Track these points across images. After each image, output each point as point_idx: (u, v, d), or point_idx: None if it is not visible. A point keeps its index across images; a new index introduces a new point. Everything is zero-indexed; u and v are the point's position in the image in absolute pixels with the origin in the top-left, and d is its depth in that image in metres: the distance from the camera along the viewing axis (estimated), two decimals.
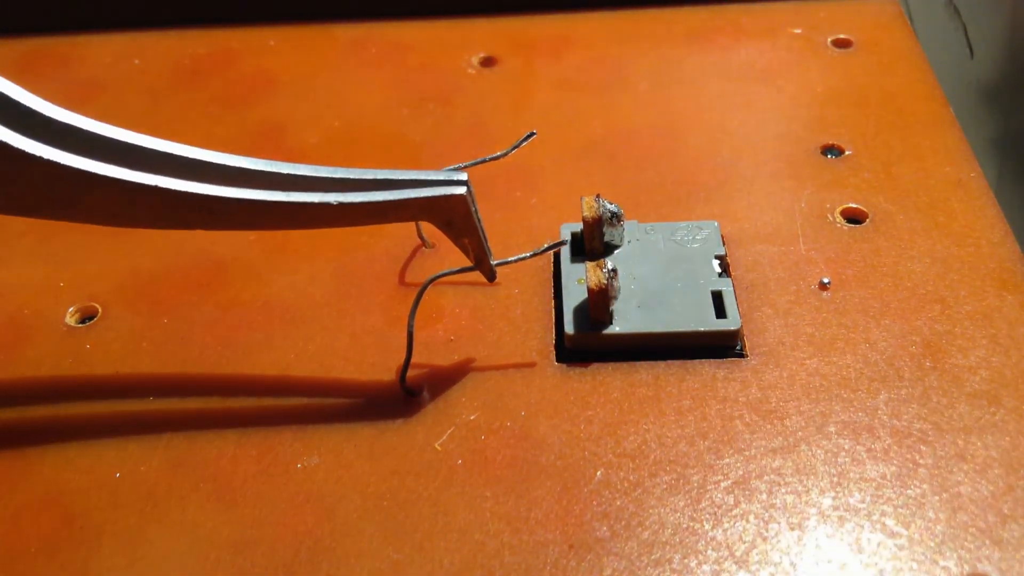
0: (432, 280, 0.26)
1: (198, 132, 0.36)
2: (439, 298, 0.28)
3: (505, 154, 0.28)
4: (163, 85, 0.38)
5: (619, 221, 0.29)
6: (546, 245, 0.26)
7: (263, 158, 0.34)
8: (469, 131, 0.35)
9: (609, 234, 0.29)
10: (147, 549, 0.23)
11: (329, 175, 0.24)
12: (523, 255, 0.26)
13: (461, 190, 0.24)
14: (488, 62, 0.38)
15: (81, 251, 0.31)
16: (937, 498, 0.23)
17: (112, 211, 0.23)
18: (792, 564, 0.22)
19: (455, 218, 0.25)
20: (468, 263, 0.26)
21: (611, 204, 0.28)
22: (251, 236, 0.31)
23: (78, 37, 0.41)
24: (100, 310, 0.29)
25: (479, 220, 0.25)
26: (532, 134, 0.28)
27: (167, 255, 0.31)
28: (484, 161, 0.28)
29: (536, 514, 0.23)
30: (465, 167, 0.28)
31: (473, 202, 0.25)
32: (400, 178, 0.24)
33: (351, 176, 0.24)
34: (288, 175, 0.24)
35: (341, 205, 0.24)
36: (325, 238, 0.31)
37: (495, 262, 0.26)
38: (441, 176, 0.25)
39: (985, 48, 0.41)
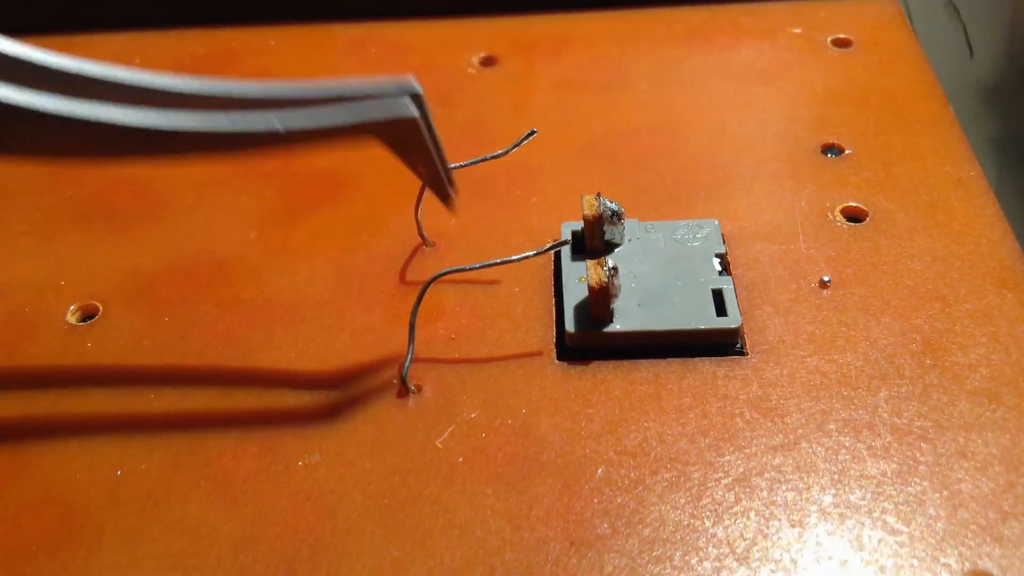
0: (435, 279, 0.26)
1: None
2: (440, 296, 0.28)
3: (506, 152, 0.28)
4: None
5: (620, 219, 0.29)
6: (549, 244, 0.26)
7: (266, 163, 0.34)
8: (469, 130, 0.35)
9: (610, 232, 0.29)
10: (148, 547, 0.23)
11: (277, 95, 0.23)
12: (526, 254, 0.26)
13: (412, 113, 0.23)
14: (488, 62, 0.38)
15: (82, 250, 0.31)
16: (938, 495, 0.23)
17: (41, 144, 0.22)
18: (793, 561, 0.22)
19: (407, 140, 0.23)
20: (471, 262, 0.26)
21: (611, 203, 0.28)
22: (252, 235, 0.31)
23: (78, 37, 0.41)
24: (101, 308, 0.29)
25: (434, 138, 0.24)
26: (532, 132, 0.28)
27: (168, 253, 0.31)
28: (484, 160, 0.28)
29: (537, 511, 0.23)
30: (465, 165, 0.28)
31: (427, 123, 0.23)
32: (348, 92, 0.23)
33: (299, 94, 0.23)
34: (236, 97, 0.23)
35: (289, 132, 0.22)
36: (325, 238, 0.31)
37: (499, 260, 0.26)
38: (392, 86, 0.23)
39: (985, 48, 0.41)
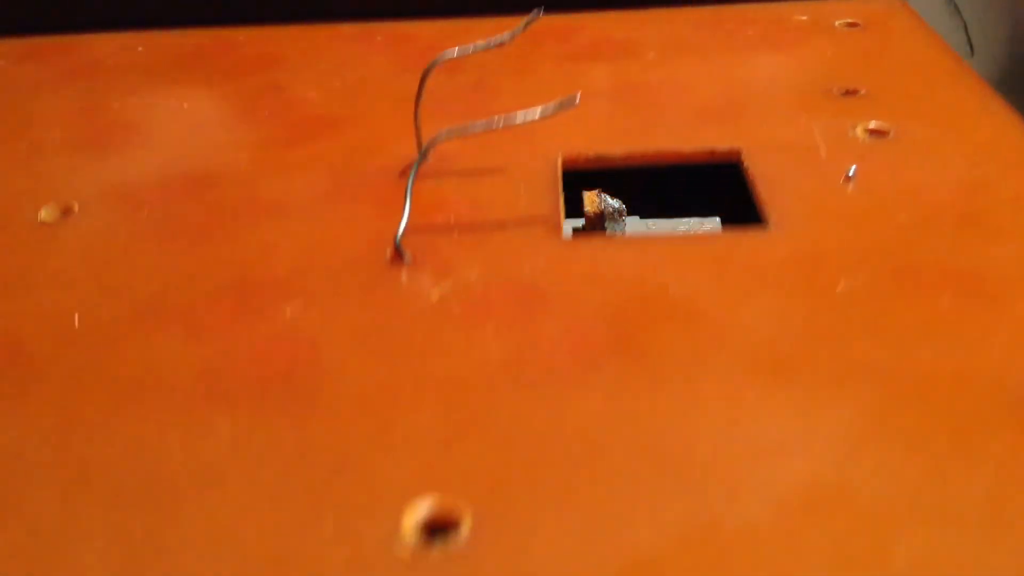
0: (436, 141, 0.24)
1: (194, 96, 0.35)
2: (440, 189, 0.27)
3: (511, 37, 0.27)
4: (164, 66, 0.38)
5: (621, 216, 0.27)
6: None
7: (263, 111, 0.33)
8: (472, 88, 0.34)
9: (611, 228, 0.27)
10: (100, 380, 0.20)
11: None
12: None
13: None
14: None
15: (66, 169, 0.30)
16: None
17: None
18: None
19: None
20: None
21: (613, 200, 0.27)
22: (243, 155, 0.30)
23: (83, 36, 0.41)
24: (77, 207, 0.27)
25: None
26: (539, 12, 0.27)
27: (152, 170, 0.29)
28: (489, 47, 0.27)
29: (542, 344, 0.21)
30: (470, 52, 0.27)
31: None
32: None
33: None
34: None
35: None
36: (321, 159, 0.29)
37: (501, 120, 0.24)
38: None
39: (985, 45, 0.41)
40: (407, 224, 0.24)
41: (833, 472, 0.17)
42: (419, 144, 0.28)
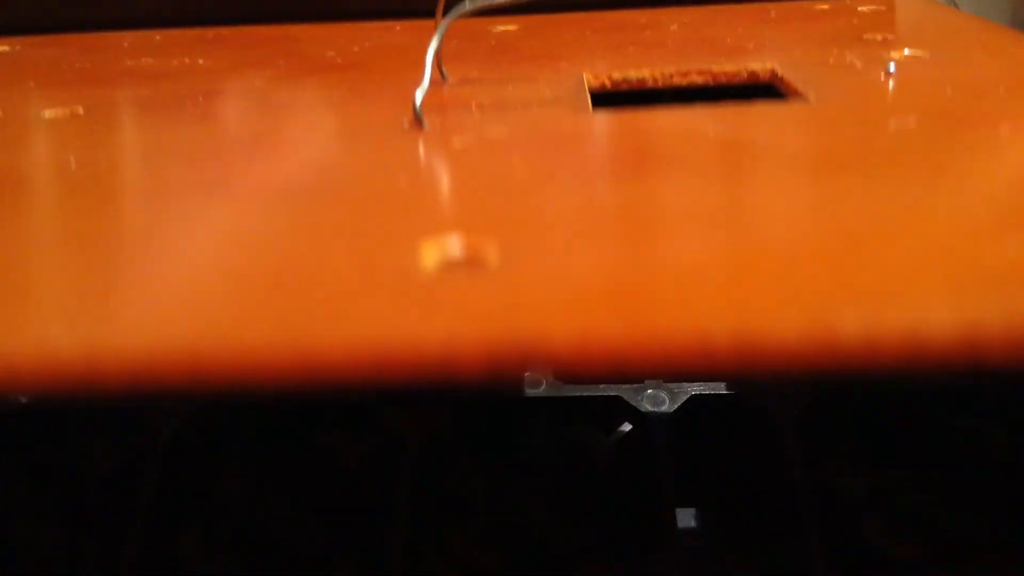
0: (462, 12, 0.23)
1: (210, 56, 0.34)
2: (462, 91, 0.26)
3: None
4: (182, 44, 0.37)
5: None
6: None
7: (280, 67, 0.32)
8: (491, 50, 0.33)
9: None
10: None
11: None
12: None
13: None
14: (515, 29, 0.37)
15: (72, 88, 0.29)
16: None
17: None
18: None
19: None
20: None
21: None
22: (256, 82, 0.29)
23: (101, 33, 0.41)
24: (82, 111, 0.26)
25: None
26: None
27: (161, 92, 0.28)
28: None
29: (574, 163, 0.19)
30: None
31: None
32: None
33: None
34: None
35: None
36: (336, 81, 0.28)
37: None
38: None
39: None
40: (426, 92, 0.23)
41: (911, 203, 0.15)
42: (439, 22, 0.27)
